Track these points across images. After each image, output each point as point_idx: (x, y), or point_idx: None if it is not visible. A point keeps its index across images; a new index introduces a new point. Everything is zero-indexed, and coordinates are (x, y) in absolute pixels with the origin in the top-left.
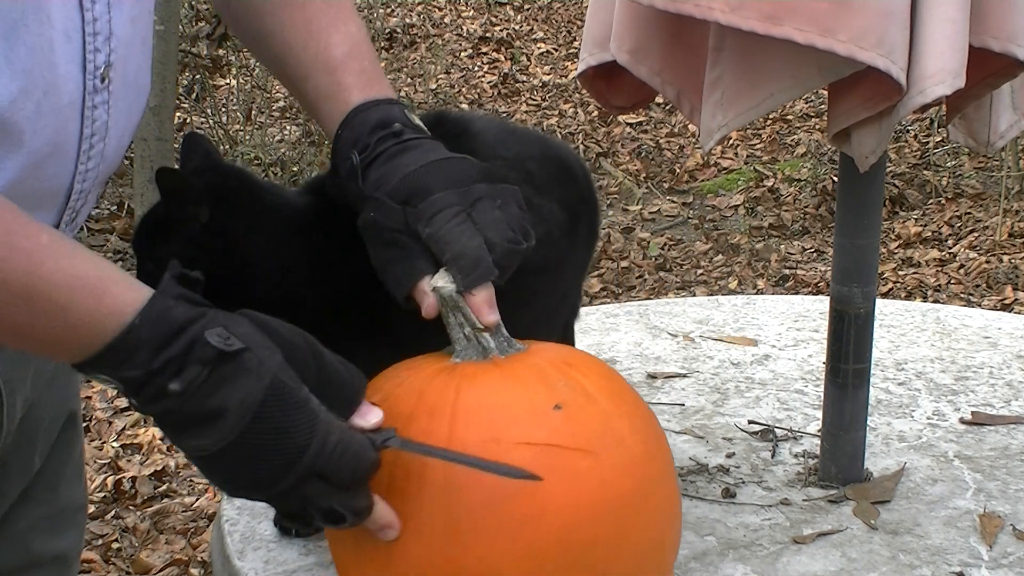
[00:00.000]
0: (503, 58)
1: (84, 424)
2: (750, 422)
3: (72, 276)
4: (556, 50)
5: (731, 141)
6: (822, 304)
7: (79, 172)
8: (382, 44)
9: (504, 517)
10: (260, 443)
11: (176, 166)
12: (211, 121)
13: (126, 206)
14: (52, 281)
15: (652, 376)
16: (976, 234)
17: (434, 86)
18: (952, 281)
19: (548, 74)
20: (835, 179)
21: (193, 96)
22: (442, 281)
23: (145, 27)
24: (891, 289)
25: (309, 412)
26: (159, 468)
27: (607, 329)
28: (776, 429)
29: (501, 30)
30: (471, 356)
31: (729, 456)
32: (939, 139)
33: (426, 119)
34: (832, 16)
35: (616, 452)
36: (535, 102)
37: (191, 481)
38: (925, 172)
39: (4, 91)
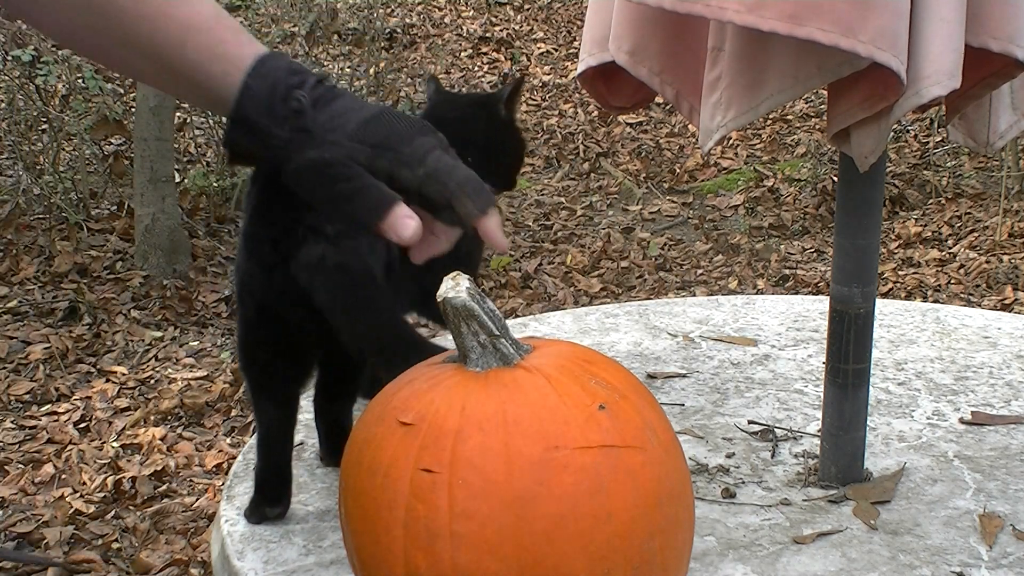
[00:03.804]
0: (503, 58)
1: (84, 424)
2: (750, 422)
3: None
4: (556, 50)
5: (731, 141)
6: (822, 304)
7: None
8: (382, 44)
9: (574, 524)
10: None
11: (176, 165)
12: (211, 121)
13: (126, 206)
14: None
15: (652, 376)
16: (976, 234)
17: None
18: (952, 281)
19: (548, 74)
20: (835, 179)
21: None
22: (452, 292)
23: None
24: (891, 289)
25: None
26: (159, 468)
27: (607, 329)
28: (776, 429)
29: (501, 30)
30: (491, 363)
31: (729, 456)
32: (939, 139)
33: None
34: (854, 16)
35: (656, 443)
36: (535, 102)
37: (191, 481)
38: (925, 172)
39: None
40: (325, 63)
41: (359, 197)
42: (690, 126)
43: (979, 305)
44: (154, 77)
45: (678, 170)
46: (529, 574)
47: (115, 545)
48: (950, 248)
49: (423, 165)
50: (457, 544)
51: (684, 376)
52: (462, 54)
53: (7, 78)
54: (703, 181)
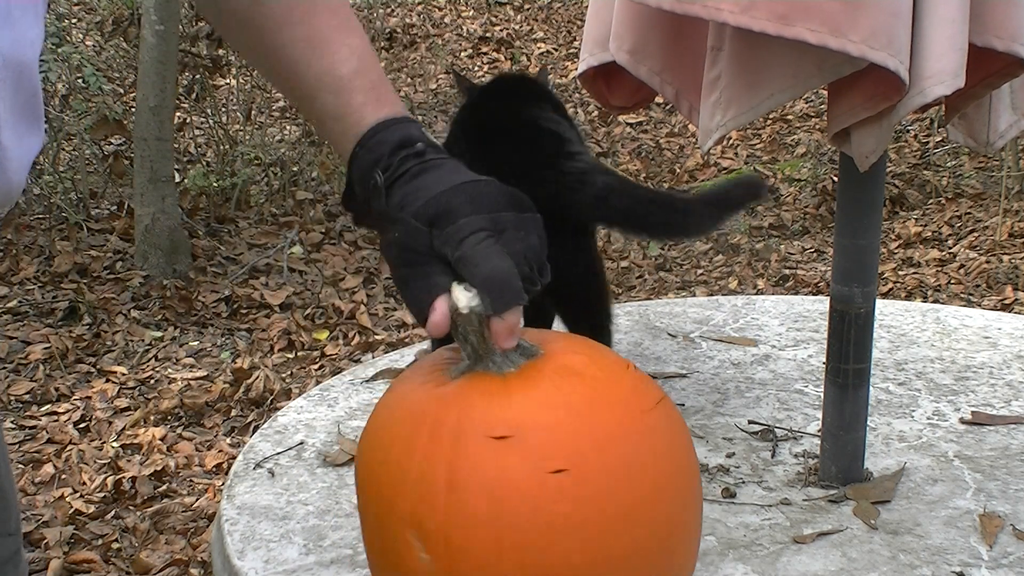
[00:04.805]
0: (503, 58)
1: (84, 424)
2: (750, 422)
3: None
4: (556, 50)
5: (731, 141)
6: (822, 304)
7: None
8: (382, 44)
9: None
10: None
11: (176, 165)
12: (211, 121)
13: (126, 206)
14: None
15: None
16: (976, 234)
17: (434, 86)
18: (952, 281)
19: (548, 74)
20: (835, 179)
21: (193, 96)
22: (464, 299)
23: (37, 52)
24: (891, 289)
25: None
26: (159, 468)
27: None
28: (776, 429)
29: (501, 30)
30: (508, 366)
31: (729, 456)
32: (939, 139)
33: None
34: (844, 16)
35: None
36: None
37: (191, 481)
38: (925, 172)
39: None
40: None
41: (410, 285)
42: (690, 126)
43: (979, 305)
44: (296, 107)
45: (678, 170)
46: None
47: (115, 545)
48: (950, 248)
49: (459, 248)
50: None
51: (684, 376)
52: (462, 54)
53: None
54: (703, 181)
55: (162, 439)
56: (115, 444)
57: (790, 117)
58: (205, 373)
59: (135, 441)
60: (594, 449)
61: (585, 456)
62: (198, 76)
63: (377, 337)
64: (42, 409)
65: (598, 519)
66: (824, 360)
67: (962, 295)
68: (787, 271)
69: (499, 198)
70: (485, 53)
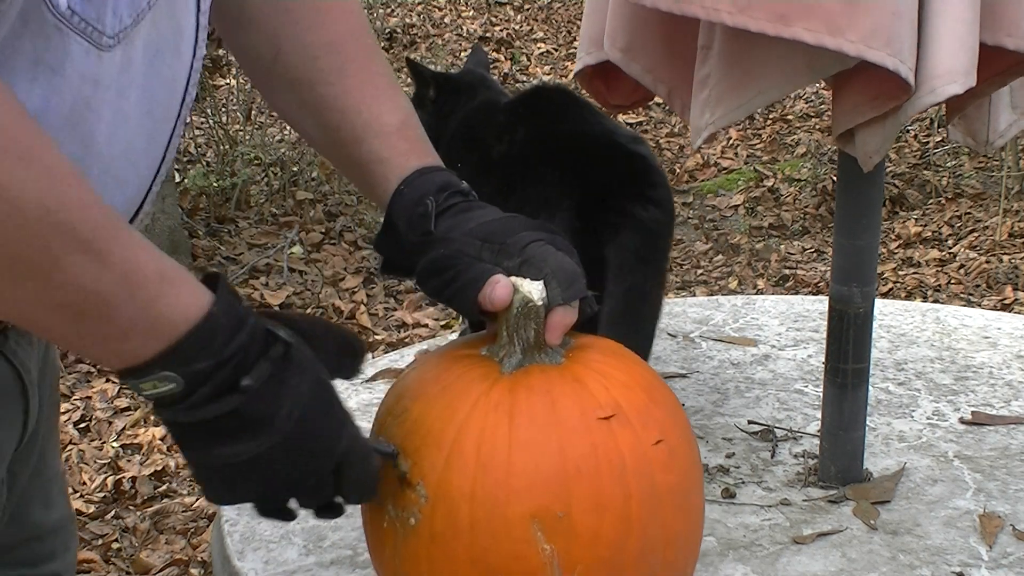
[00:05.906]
0: (503, 58)
1: (84, 424)
2: (750, 422)
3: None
4: (556, 50)
5: (731, 141)
6: (822, 304)
7: (151, 192)
8: (382, 44)
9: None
10: (297, 444)
11: (176, 165)
12: (211, 121)
13: None
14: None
15: None
16: (976, 234)
17: None
18: (952, 281)
19: (548, 74)
20: (835, 179)
21: None
22: (537, 291)
23: None
24: (891, 289)
25: (341, 411)
26: (159, 468)
27: None
28: (776, 429)
29: (501, 30)
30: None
31: (729, 456)
32: (939, 139)
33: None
34: (842, 16)
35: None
36: None
37: (191, 481)
38: (925, 172)
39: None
40: None
41: (461, 276)
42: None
43: (979, 305)
44: (335, 160)
45: (678, 170)
46: None
47: (115, 545)
48: (950, 248)
49: (521, 254)
50: None
51: (684, 376)
52: (462, 54)
53: None
54: (703, 181)
55: (162, 439)
56: (115, 444)
57: (790, 117)
58: None
59: (135, 441)
60: (671, 419)
61: (668, 426)
62: None
63: (377, 337)
64: None
65: (688, 486)
66: (824, 360)
67: (962, 295)
68: (787, 271)
69: (547, 227)
70: (485, 53)
